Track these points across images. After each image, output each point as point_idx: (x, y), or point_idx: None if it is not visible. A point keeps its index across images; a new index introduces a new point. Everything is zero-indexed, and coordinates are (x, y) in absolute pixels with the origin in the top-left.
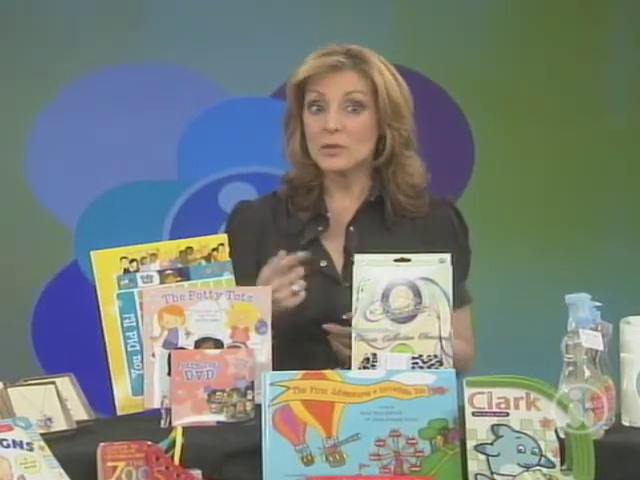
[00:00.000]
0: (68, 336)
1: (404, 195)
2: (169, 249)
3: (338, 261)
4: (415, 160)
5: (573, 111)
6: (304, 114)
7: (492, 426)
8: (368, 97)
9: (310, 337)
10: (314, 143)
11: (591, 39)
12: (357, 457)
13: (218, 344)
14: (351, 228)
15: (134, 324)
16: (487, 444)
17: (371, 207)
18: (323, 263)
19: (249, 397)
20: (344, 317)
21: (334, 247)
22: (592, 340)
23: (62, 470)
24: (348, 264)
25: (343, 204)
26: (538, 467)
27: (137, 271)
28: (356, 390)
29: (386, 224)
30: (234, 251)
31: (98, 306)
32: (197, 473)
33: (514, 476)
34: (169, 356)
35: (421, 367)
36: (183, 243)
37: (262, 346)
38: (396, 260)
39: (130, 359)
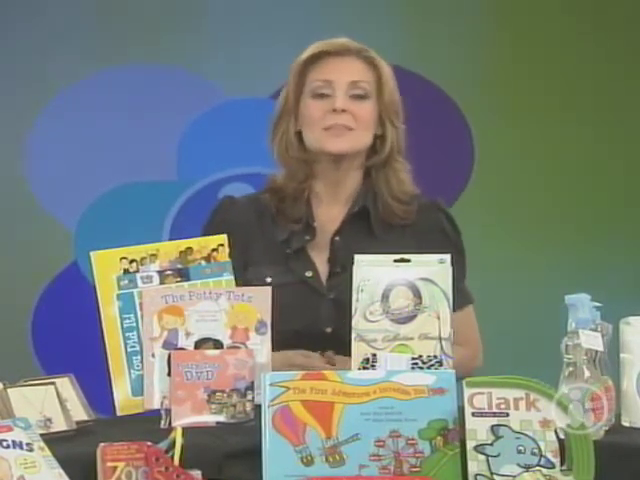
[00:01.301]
0: (68, 336)
1: (396, 200)
2: (169, 250)
3: (323, 271)
4: (406, 166)
5: (573, 111)
6: (303, 102)
7: (492, 426)
8: (372, 87)
9: (291, 348)
10: (316, 127)
11: (591, 39)
12: (357, 458)
13: (218, 344)
14: (337, 238)
15: (134, 324)
16: (487, 444)
17: (357, 216)
18: (308, 273)
19: (249, 398)
20: (326, 330)
21: (320, 257)
22: (592, 341)
23: (62, 470)
24: (333, 275)
25: (330, 212)
26: (538, 467)
27: (137, 271)
28: (356, 390)
29: (373, 233)
30: None
31: (98, 307)
32: (197, 474)
33: (514, 476)
34: (169, 357)
35: (421, 368)
36: (183, 243)
37: (262, 347)
38: (396, 260)
39: (130, 359)
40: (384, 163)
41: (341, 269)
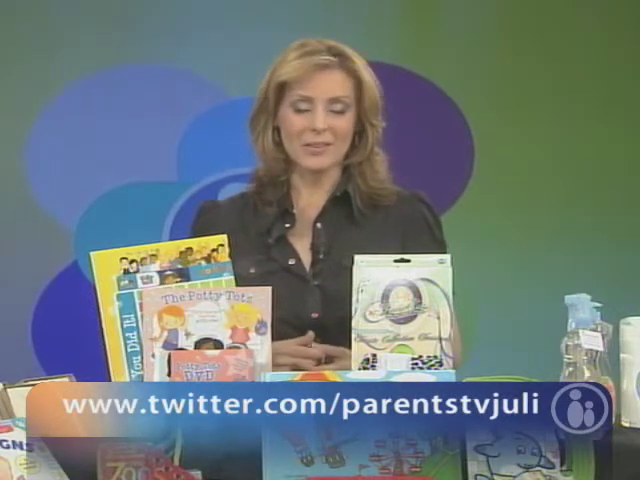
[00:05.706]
0: (68, 336)
1: (369, 187)
2: (169, 250)
3: (306, 259)
4: (382, 156)
5: (573, 111)
6: (283, 111)
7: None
8: (352, 99)
9: (280, 337)
10: (295, 141)
11: (591, 39)
12: (357, 458)
13: (218, 345)
14: (318, 224)
15: (134, 325)
16: (487, 444)
17: (338, 202)
18: (291, 261)
19: None
20: (313, 316)
21: (301, 244)
22: (592, 341)
23: (62, 470)
24: (316, 261)
25: (310, 200)
26: (538, 468)
27: (137, 272)
28: None
29: (355, 219)
30: None
31: (98, 307)
32: (197, 474)
33: (514, 477)
34: (169, 357)
35: (421, 368)
36: (183, 244)
37: (262, 347)
38: (396, 261)
39: (130, 360)
40: (362, 160)
41: (324, 255)
